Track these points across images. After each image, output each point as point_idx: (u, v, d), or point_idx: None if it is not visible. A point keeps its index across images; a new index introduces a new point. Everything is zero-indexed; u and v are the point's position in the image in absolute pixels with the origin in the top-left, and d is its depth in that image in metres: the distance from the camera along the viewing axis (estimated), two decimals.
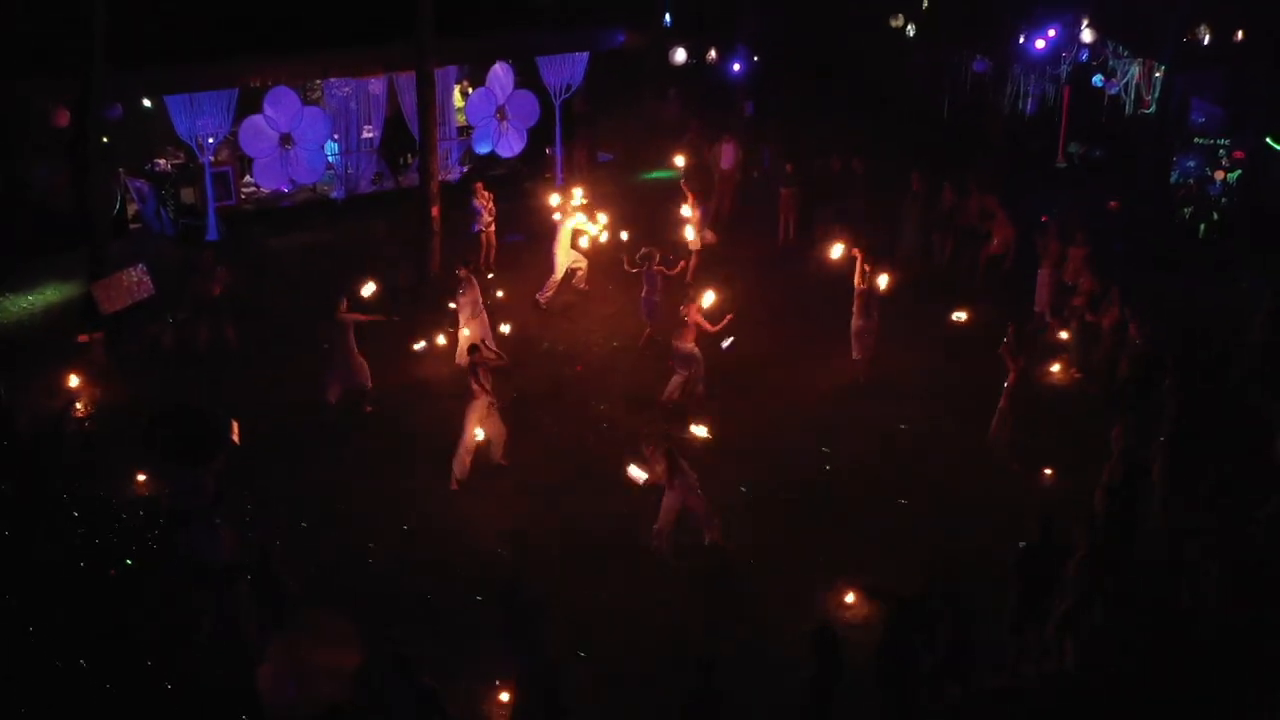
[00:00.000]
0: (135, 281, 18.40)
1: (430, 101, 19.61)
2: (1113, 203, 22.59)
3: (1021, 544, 11.33)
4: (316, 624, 10.35)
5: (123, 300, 18.12)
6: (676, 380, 15.86)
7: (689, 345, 15.69)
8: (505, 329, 17.68)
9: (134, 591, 11.70)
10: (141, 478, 13.74)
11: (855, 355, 16.65)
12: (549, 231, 19.50)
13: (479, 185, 20.83)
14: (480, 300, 16.90)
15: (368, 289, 16.21)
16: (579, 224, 19.14)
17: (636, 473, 12.60)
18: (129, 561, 12.30)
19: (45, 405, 14.32)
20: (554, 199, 19.62)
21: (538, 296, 19.19)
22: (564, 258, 19.16)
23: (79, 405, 15.27)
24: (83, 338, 16.91)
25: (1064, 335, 17.24)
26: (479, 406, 13.85)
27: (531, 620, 9.91)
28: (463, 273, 16.85)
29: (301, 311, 17.76)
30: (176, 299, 17.77)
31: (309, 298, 17.79)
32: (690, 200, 19.65)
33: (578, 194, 19.48)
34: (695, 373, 15.82)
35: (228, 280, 17.62)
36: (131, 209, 22.85)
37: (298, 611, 10.38)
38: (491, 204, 20.48)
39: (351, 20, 23.03)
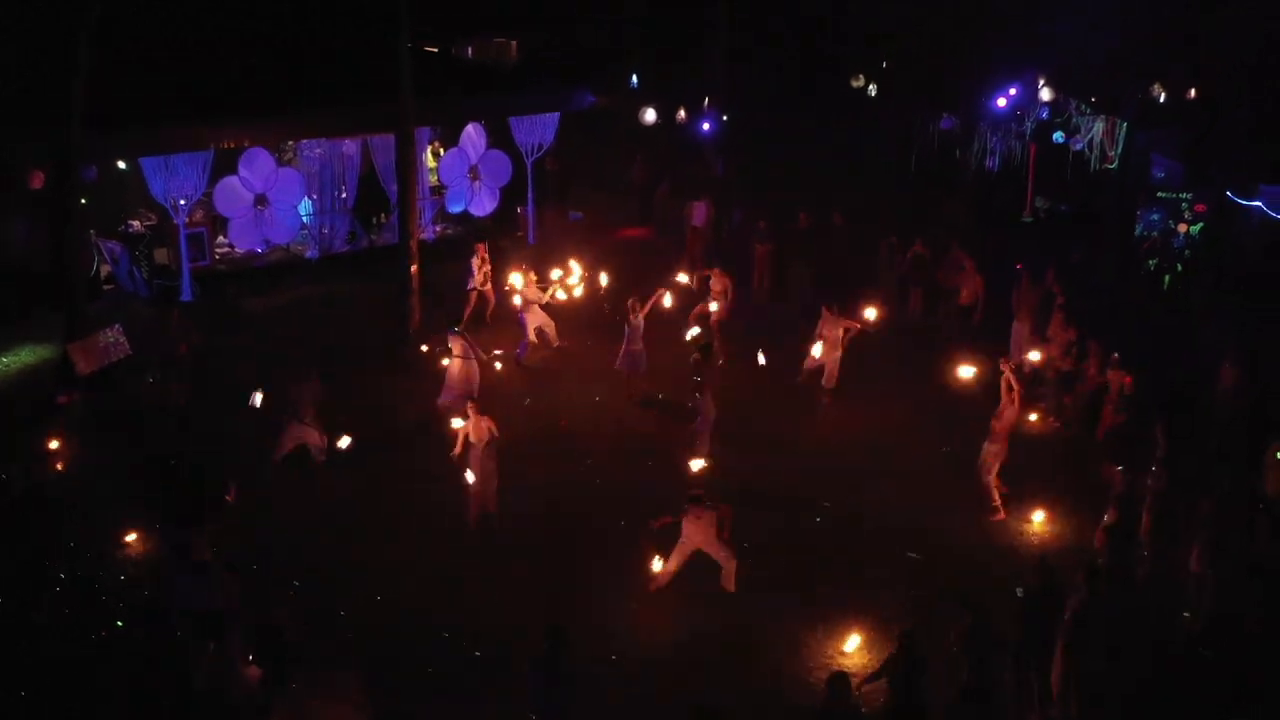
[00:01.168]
0: (112, 342, 18.33)
1: (410, 161, 19.73)
2: (1074, 255, 23.03)
3: (1019, 590, 11.46)
4: (320, 680, 10.24)
5: (99, 361, 18.04)
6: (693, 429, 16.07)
7: (706, 399, 15.85)
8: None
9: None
10: (130, 537, 13.58)
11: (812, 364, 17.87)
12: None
13: (480, 246, 20.97)
14: (469, 354, 17.06)
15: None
16: (533, 293, 19.54)
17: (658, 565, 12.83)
18: (119, 623, 12.27)
19: (27, 467, 14.08)
20: (516, 280, 19.78)
21: (516, 354, 19.34)
22: (531, 320, 19.49)
23: (59, 466, 15.14)
24: (63, 399, 16.73)
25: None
26: (478, 453, 13.94)
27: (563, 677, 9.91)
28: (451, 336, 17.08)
29: (274, 370, 17.64)
30: (151, 359, 17.61)
31: (282, 357, 17.77)
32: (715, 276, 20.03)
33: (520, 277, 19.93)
34: (702, 424, 15.95)
35: (195, 339, 17.45)
36: (104, 270, 22.66)
37: (300, 666, 10.26)
38: (487, 265, 20.63)
39: (327, 82, 23.20)
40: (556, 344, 19.84)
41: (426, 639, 12.06)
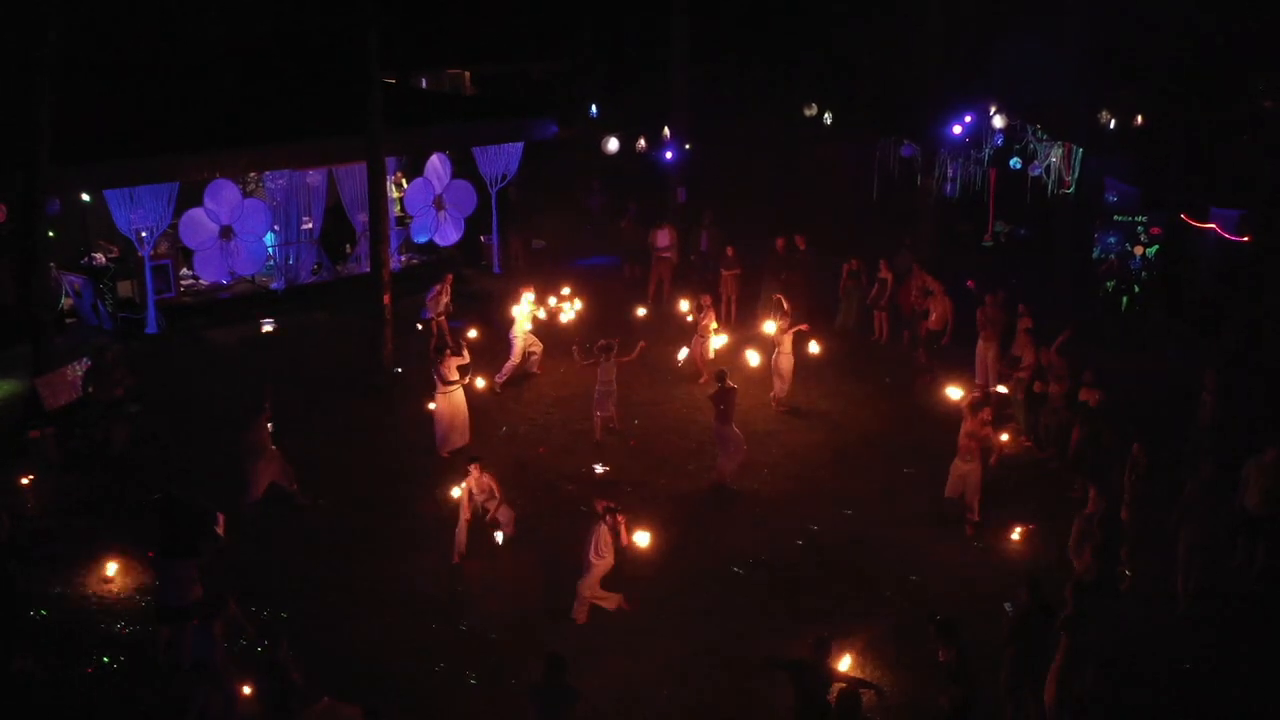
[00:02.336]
0: (79, 377, 18.08)
1: (382, 191, 19.67)
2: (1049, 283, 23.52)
3: (1008, 606, 11.62)
4: (324, 714, 10.18)
5: (66, 396, 17.76)
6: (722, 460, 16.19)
7: (727, 427, 15.97)
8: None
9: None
10: (111, 571, 13.45)
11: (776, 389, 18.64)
12: (503, 318, 20.03)
13: (449, 277, 21.06)
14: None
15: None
16: (529, 313, 19.72)
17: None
18: (105, 660, 12.13)
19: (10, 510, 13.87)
20: (526, 298, 19.95)
21: (495, 378, 19.38)
22: (521, 343, 19.50)
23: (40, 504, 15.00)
24: (34, 434, 16.51)
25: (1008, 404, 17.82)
26: (468, 504, 14.03)
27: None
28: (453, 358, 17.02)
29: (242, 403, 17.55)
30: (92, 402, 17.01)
31: (248, 390, 17.59)
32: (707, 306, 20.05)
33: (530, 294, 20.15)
34: (736, 453, 16.06)
35: (130, 381, 17.15)
36: (66, 304, 22.40)
37: (302, 700, 10.20)
38: (447, 297, 20.69)
39: (294, 113, 23.21)
40: (537, 371, 19.97)
41: (420, 666, 12.06)
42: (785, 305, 18.80)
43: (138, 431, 17.03)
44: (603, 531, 12.73)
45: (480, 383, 18.39)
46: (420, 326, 21.06)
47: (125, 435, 16.82)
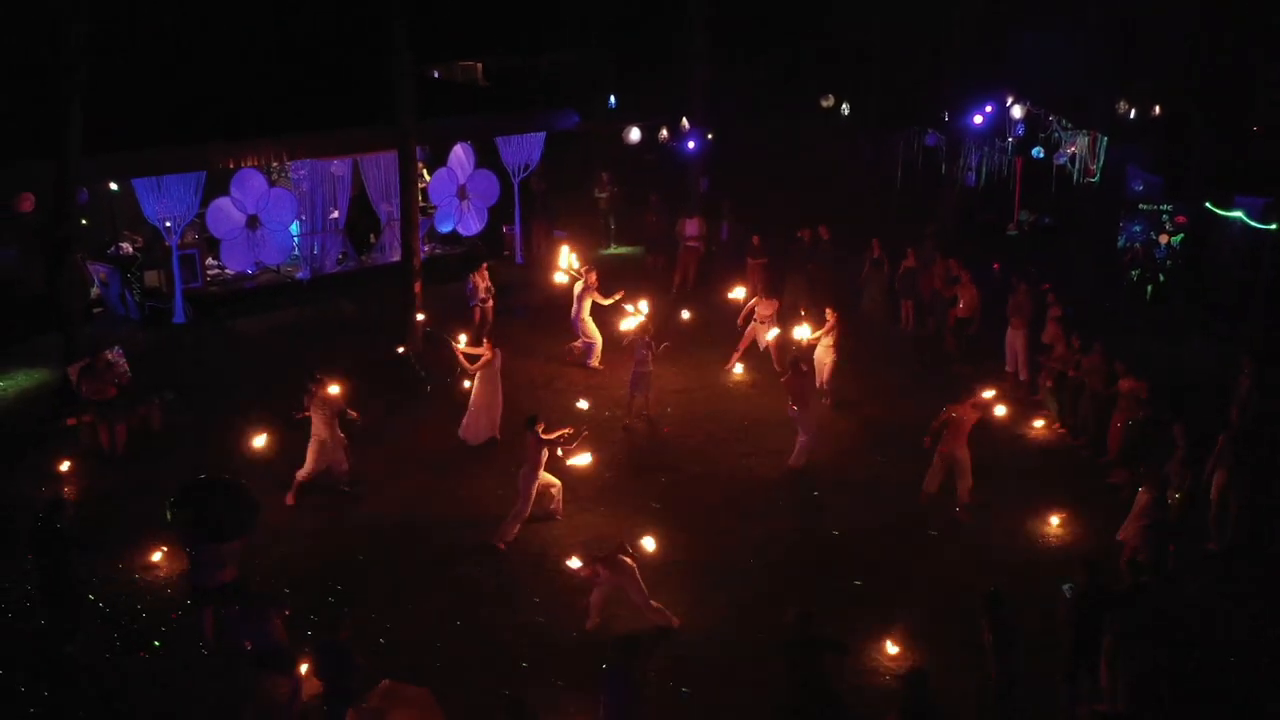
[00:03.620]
0: (112, 363, 18.10)
1: (412, 179, 19.72)
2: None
3: (1066, 588, 11.63)
4: (389, 698, 10.23)
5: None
6: (802, 442, 16.22)
7: (807, 411, 16.04)
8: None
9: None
10: (156, 557, 13.49)
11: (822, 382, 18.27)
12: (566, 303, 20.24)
13: (484, 266, 21.13)
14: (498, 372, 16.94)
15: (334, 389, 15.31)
16: (596, 297, 19.69)
17: (574, 564, 12.61)
18: (157, 644, 12.15)
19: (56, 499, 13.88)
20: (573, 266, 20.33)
21: (589, 364, 19.71)
22: (593, 326, 19.75)
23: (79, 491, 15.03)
24: (71, 420, 16.55)
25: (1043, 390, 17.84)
26: (536, 477, 14.07)
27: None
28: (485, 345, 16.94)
29: (269, 393, 17.54)
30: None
31: (277, 379, 17.70)
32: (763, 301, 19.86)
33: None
34: (809, 437, 16.11)
35: (126, 381, 17.12)
36: (94, 294, 22.42)
37: (367, 686, 10.24)
38: (489, 281, 20.71)
39: (323, 102, 23.23)
40: (571, 358, 20.12)
41: (471, 652, 12.10)
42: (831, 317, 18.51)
43: (171, 420, 17.10)
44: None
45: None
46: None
47: (126, 431, 16.74)
